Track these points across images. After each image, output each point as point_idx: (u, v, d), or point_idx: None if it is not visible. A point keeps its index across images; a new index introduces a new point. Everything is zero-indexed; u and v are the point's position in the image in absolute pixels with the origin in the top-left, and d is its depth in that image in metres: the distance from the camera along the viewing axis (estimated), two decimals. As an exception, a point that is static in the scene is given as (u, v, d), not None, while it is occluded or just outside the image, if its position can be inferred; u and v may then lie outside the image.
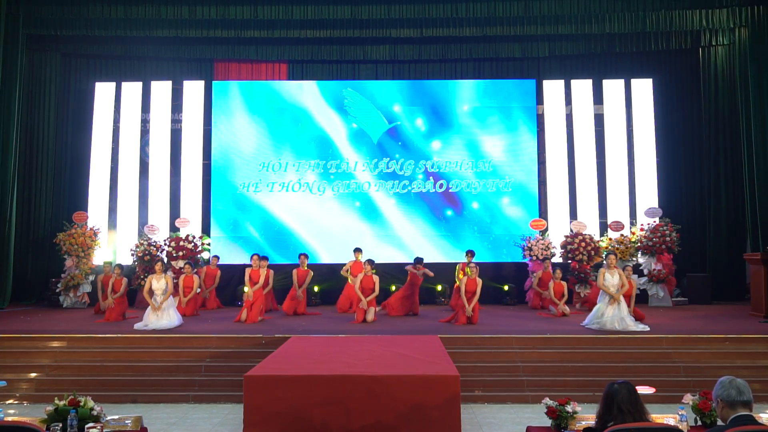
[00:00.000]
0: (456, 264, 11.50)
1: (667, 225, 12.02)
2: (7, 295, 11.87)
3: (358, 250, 11.38)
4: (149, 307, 9.15)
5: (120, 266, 10.52)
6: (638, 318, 9.24)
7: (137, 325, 8.99)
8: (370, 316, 9.72)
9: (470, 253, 11.06)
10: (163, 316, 9.01)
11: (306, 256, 11.28)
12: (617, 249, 11.87)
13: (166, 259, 11.66)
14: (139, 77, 13.58)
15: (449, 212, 13.18)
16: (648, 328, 8.61)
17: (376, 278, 10.02)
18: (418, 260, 10.99)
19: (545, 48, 13.13)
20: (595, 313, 8.82)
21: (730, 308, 11.26)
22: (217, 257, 12.06)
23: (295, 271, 11.04)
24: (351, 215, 13.18)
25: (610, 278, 8.84)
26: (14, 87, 12.03)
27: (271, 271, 10.52)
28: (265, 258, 10.69)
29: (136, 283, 11.77)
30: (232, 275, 12.40)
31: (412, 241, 13.01)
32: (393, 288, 11.55)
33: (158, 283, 9.37)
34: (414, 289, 10.79)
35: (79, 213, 12.53)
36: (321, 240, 13.09)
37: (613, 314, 8.58)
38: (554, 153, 13.24)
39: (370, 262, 10.21)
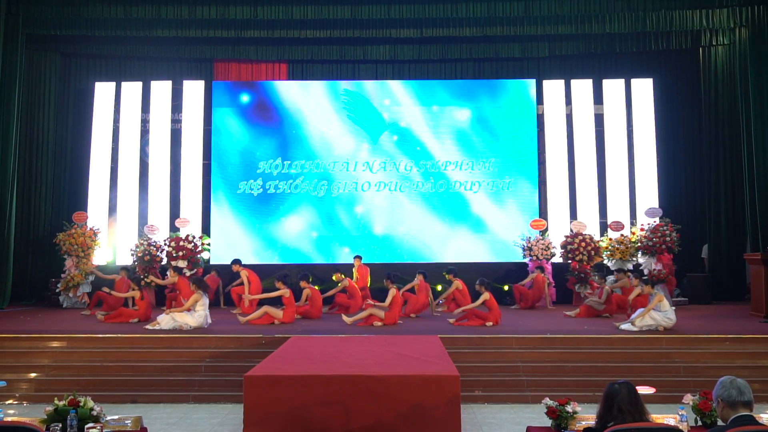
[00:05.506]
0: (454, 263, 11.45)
1: (667, 225, 12.00)
2: (7, 295, 11.86)
3: (358, 257, 11.36)
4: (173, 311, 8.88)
5: (125, 268, 11.13)
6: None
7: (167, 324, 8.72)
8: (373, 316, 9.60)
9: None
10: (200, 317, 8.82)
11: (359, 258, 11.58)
12: (617, 249, 11.87)
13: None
14: (139, 77, 13.57)
15: (449, 212, 13.16)
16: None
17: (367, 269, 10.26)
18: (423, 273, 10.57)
19: (545, 48, 13.14)
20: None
21: (730, 308, 11.26)
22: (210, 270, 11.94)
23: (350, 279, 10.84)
24: (350, 216, 13.17)
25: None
26: (14, 87, 12.01)
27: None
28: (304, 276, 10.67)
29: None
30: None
31: (410, 241, 13.00)
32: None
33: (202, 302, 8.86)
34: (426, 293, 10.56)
35: (79, 213, 12.52)
36: (320, 240, 13.10)
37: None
38: (554, 153, 13.23)
39: (358, 257, 11.04)
